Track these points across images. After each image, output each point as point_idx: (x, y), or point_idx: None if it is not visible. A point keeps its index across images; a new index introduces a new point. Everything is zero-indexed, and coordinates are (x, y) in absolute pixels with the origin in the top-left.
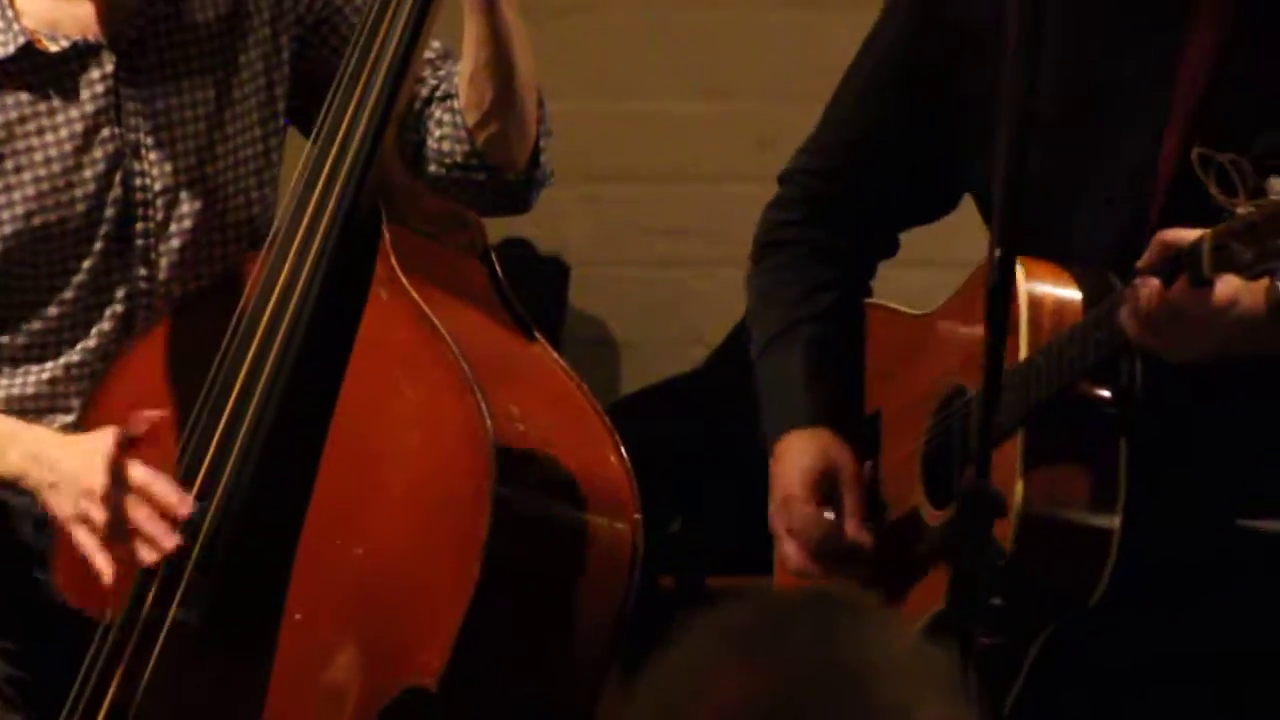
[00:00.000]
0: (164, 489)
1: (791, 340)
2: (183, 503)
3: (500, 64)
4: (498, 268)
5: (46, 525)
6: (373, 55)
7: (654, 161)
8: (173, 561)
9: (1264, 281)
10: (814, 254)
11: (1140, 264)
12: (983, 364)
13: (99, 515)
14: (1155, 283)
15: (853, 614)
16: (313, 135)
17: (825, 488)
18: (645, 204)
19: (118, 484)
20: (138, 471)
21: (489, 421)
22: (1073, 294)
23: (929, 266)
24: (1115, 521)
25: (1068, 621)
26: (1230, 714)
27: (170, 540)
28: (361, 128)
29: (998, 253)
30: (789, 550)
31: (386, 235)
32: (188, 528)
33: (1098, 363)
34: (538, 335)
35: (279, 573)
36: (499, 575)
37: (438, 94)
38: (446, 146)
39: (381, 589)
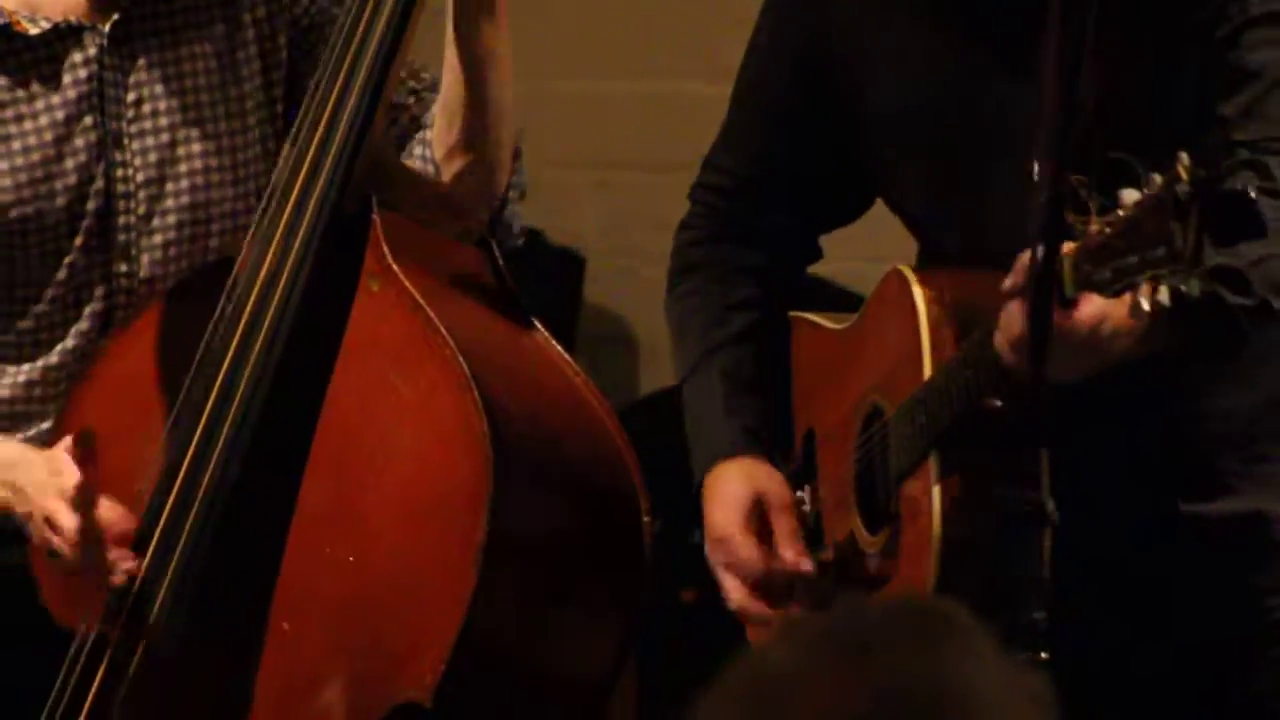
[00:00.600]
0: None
1: (708, 369)
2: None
3: (477, 89)
4: (498, 255)
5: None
6: (361, 32)
7: (675, 148)
8: (151, 571)
9: (1127, 296)
10: (725, 274)
11: (1005, 286)
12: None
13: (64, 549)
14: (1018, 307)
15: (951, 630)
16: (298, 118)
17: (757, 518)
18: (665, 193)
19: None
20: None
21: (486, 419)
22: (970, 307)
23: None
24: (1045, 534)
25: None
26: (1199, 700)
27: (129, 562)
28: (348, 111)
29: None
30: (729, 587)
31: (378, 223)
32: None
33: (988, 384)
34: (540, 327)
35: (263, 581)
36: (497, 581)
37: (413, 123)
38: None
39: (374, 597)
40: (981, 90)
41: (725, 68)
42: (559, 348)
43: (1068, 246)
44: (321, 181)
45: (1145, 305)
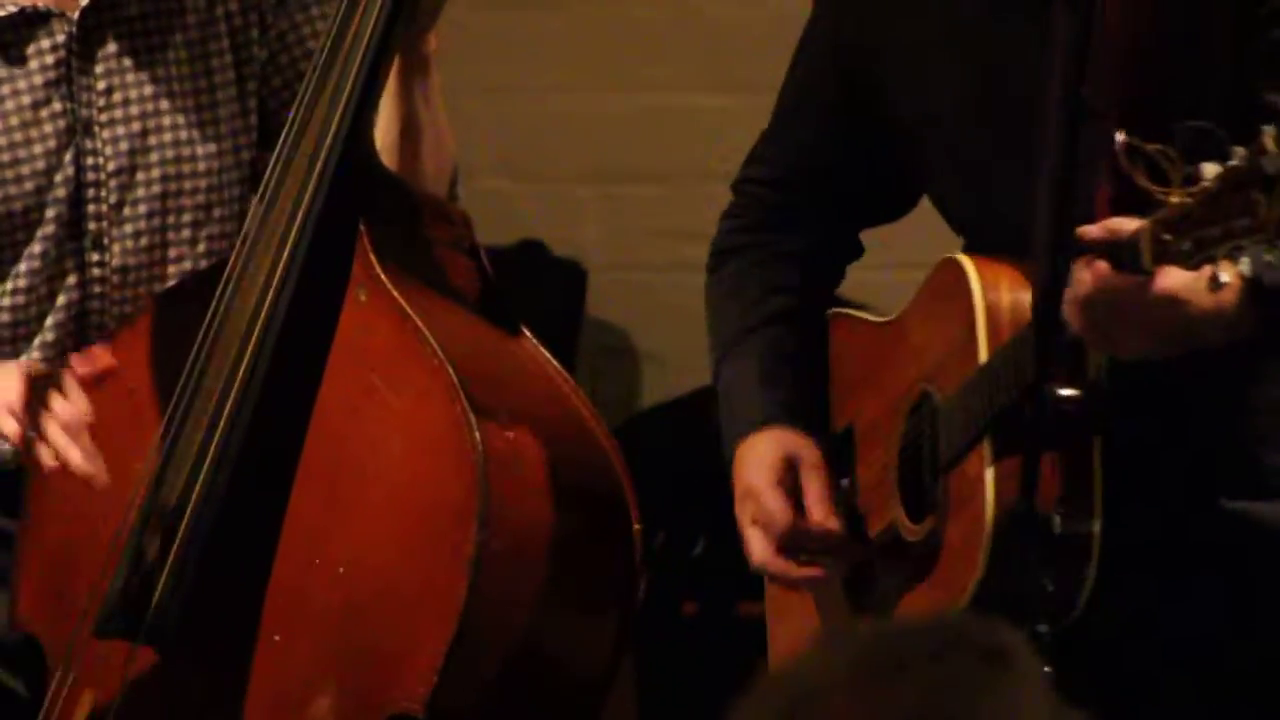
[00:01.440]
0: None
1: (747, 346)
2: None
3: (409, 151)
4: (486, 263)
5: (9, 544)
6: (349, 38)
7: (676, 159)
8: (140, 581)
9: (1205, 270)
10: (769, 259)
11: (1081, 231)
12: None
13: (13, 430)
14: (1101, 265)
15: (977, 660)
16: (285, 127)
17: (788, 478)
18: (667, 204)
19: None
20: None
21: (476, 429)
22: (1025, 295)
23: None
24: (1095, 525)
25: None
26: (1233, 697)
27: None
28: (335, 121)
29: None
30: (754, 542)
31: (365, 233)
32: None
33: (1051, 359)
34: (529, 335)
35: (254, 592)
36: (488, 592)
37: None
38: None
39: (365, 608)
40: (1008, 86)
41: (726, 80)
42: (548, 355)
43: (1144, 219)
44: (309, 190)
45: (1225, 277)
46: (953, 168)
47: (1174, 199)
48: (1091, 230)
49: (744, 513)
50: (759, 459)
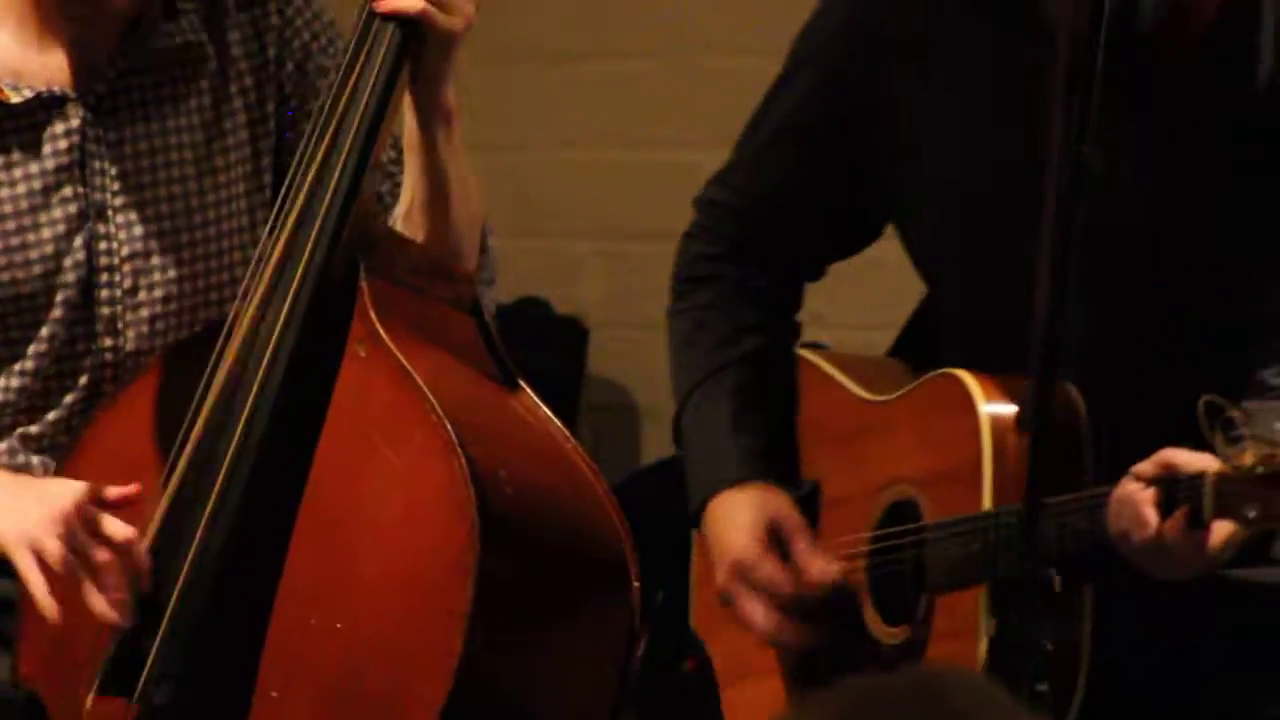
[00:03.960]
0: (133, 546)
1: (717, 386)
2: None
3: (436, 203)
4: (489, 322)
5: (12, 606)
6: (345, 104)
7: (678, 216)
8: (137, 637)
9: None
10: (737, 292)
11: (1137, 472)
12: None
13: (54, 547)
14: (1150, 509)
15: (970, 715)
16: (286, 183)
17: (773, 542)
18: (668, 261)
19: (84, 522)
20: (111, 522)
21: (472, 486)
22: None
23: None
24: (1080, 680)
25: None
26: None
27: (123, 597)
28: (335, 176)
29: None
30: (756, 613)
31: (366, 289)
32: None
33: (1071, 543)
34: (530, 392)
35: (250, 648)
36: (484, 649)
37: (384, 205)
38: None
39: (361, 665)
40: (1025, 168)
41: (727, 137)
42: (549, 412)
43: (1213, 467)
44: (309, 247)
45: None
46: (961, 235)
47: (1246, 458)
48: (1146, 468)
49: (735, 585)
50: (741, 526)
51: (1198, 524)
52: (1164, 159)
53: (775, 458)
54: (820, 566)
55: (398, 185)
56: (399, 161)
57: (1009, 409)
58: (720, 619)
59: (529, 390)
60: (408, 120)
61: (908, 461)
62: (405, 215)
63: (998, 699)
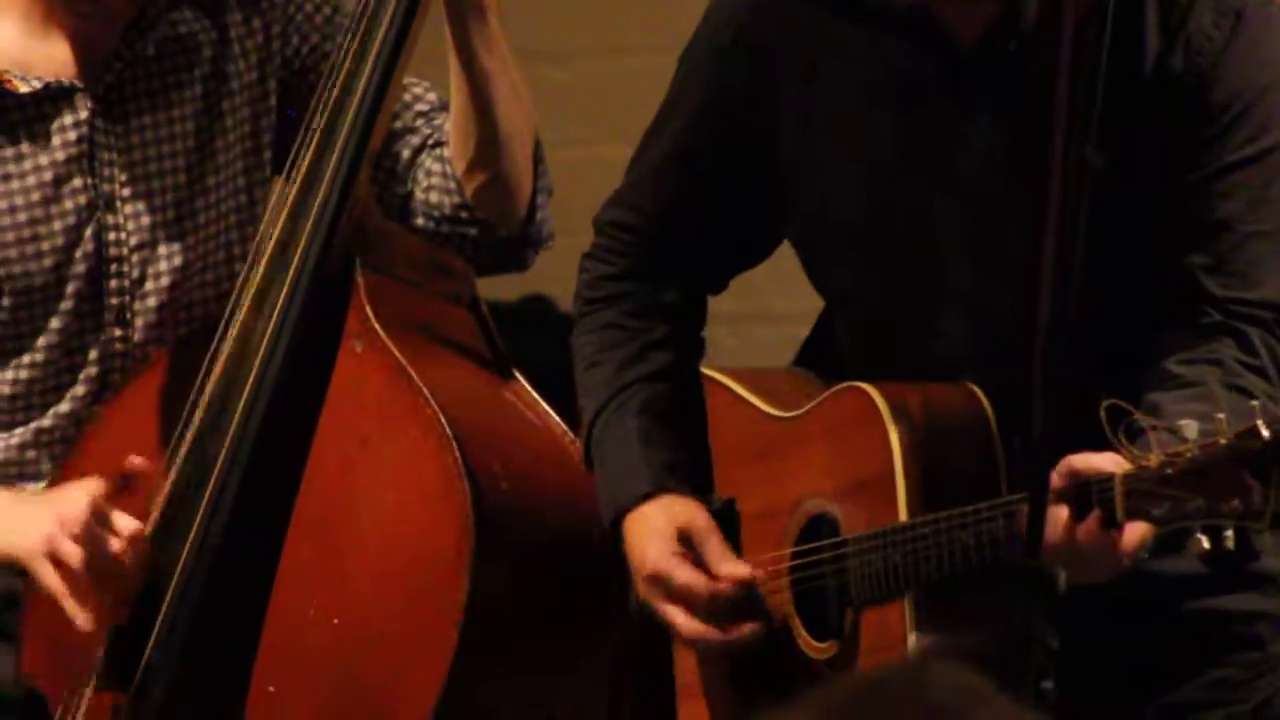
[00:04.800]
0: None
1: (625, 404)
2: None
3: (481, 109)
4: (487, 316)
5: (15, 603)
6: (342, 97)
7: None
8: (134, 631)
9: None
10: (640, 309)
11: (1054, 485)
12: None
13: (72, 551)
14: (1064, 515)
15: (957, 711)
16: (282, 179)
17: (686, 549)
18: None
19: (97, 518)
20: (120, 516)
21: (468, 480)
22: (940, 425)
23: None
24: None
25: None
26: None
27: (135, 589)
28: (330, 173)
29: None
30: (678, 619)
31: (362, 285)
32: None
33: (990, 550)
34: (527, 386)
35: (246, 644)
36: (478, 642)
37: (430, 143)
38: (434, 198)
39: (357, 658)
40: (926, 198)
41: None
42: (547, 408)
43: (1121, 467)
44: (304, 242)
45: (1205, 545)
46: (863, 260)
47: (1151, 459)
48: (1054, 480)
49: (654, 595)
50: (653, 534)
51: (1111, 524)
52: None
53: (687, 471)
54: (730, 566)
55: (429, 120)
56: (442, 109)
57: (915, 419)
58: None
59: (526, 385)
60: (449, 30)
61: (821, 476)
62: (455, 123)
63: (986, 694)
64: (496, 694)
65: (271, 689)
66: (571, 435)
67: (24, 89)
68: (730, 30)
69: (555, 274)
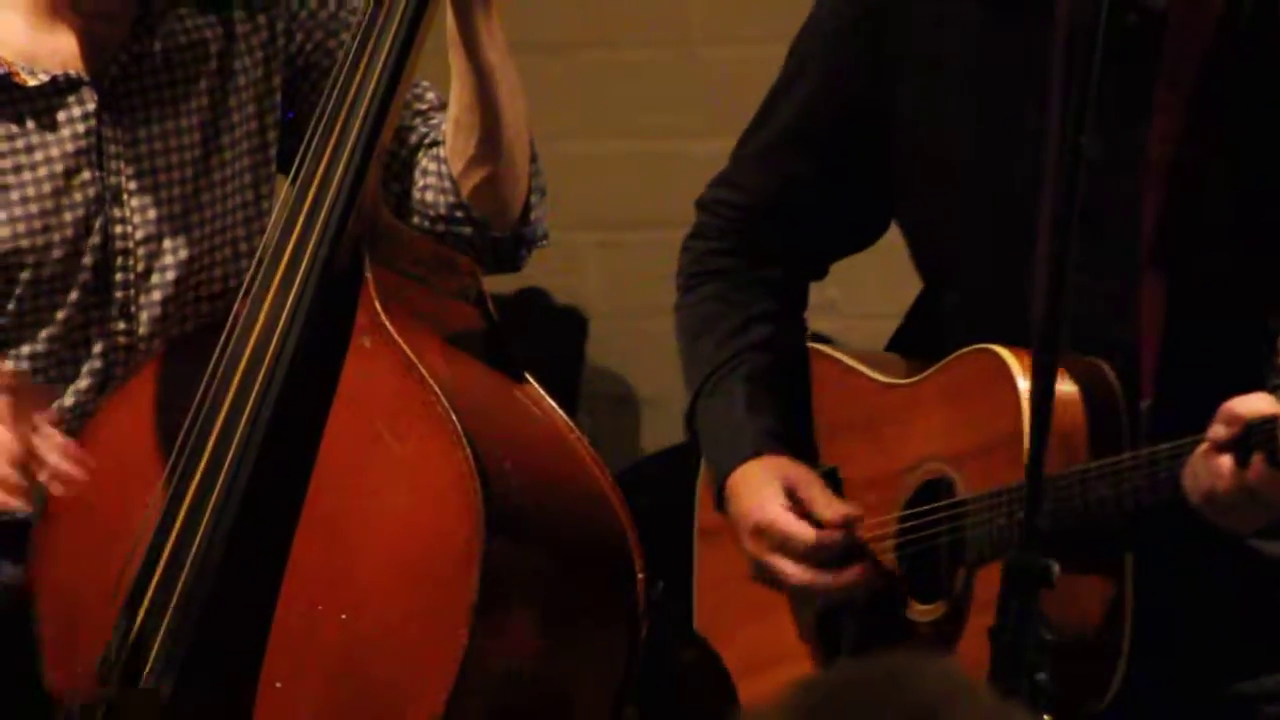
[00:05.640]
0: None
1: (729, 374)
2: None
3: (483, 105)
4: (493, 312)
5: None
6: (352, 94)
7: (676, 206)
8: (141, 627)
9: None
10: (746, 285)
11: (1212, 435)
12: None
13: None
14: (1227, 463)
15: (936, 709)
16: (290, 177)
17: (791, 502)
18: (668, 251)
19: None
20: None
21: (478, 477)
22: (1072, 392)
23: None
24: (1124, 643)
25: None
26: None
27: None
28: (340, 170)
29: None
30: (786, 568)
31: (370, 280)
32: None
33: (1131, 501)
34: (534, 383)
35: (255, 639)
36: (489, 640)
37: (426, 141)
38: (430, 197)
39: (366, 656)
40: (1030, 156)
41: (726, 126)
42: (553, 404)
43: (1275, 407)
44: (314, 238)
45: None
46: (979, 224)
47: None
48: (1220, 430)
49: (760, 548)
50: (758, 489)
51: (1275, 463)
52: (1194, 135)
53: (789, 438)
54: (836, 508)
55: (427, 120)
56: (440, 108)
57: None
58: (733, 618)
59: (533, 381)
60: (448, 16)
61: (939, 440)
62: (454, 120)
63: (969, 688)
64: (507, 693)
65: (279, 685)
66: (579, 433)
67: (31, 82)
68: (846, 8)
69: (550, 267)
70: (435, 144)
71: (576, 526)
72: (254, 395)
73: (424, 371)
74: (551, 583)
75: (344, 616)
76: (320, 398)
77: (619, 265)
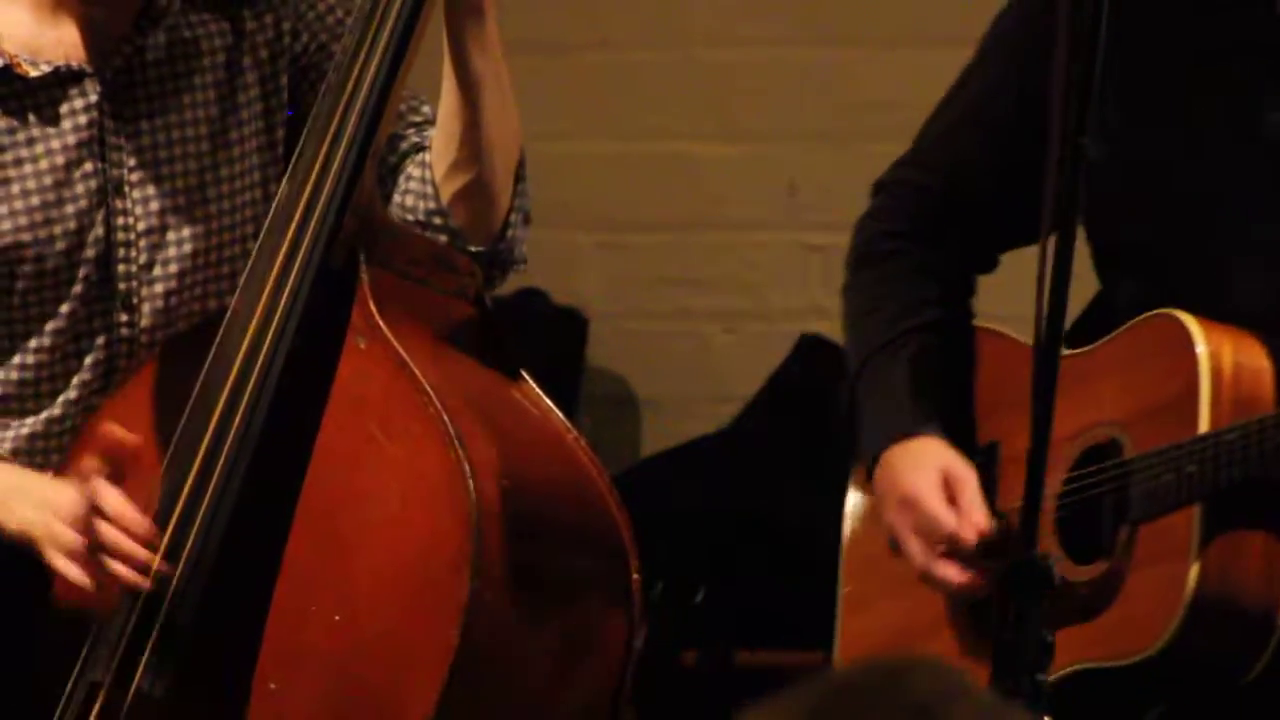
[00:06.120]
0: (135, 517)
1: (896, 351)
2: (152, 532)
3: (467, 112)
4: (491, 312)
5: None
6: (348, 92)
7: (676, 207)
8: (135, 628)
9: None
10: (918, 268)
11: None
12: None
13: (67, 535)
14: None
15: (934, 709)
16: (287, 175)
17: (946, 490)
18: (667, 252)
19: (90, 507)
20: (111, 497)
21: (470, 479)
22: (1261, 365)
23: None
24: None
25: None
26: None
27: (143, 557)
28: (335, 168)
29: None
30: (914, 549)
31: (366, 280)
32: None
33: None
34: (531, 383)
35: (248, 639)
36: (480, 641)
37: (416, 149)
38: (410, 202)
39: (359, 656)
40: (1227, 146)
41: (727, 128)
42: (550, 404)
43: None
44: (309, 237)
45: None
46: (1157, 214)
47: None
48: None
49: (903, 520)
50: (918, 467)
51: None
52: None
53: (950, 423)
54: (982, 517)
55: (420, 131)
56: (434, 123)
57: (1227, 339)
58: (878, 590)
59: (530, 381)
60: (445, 33)
61: (1110, 405)
62: (440, 125)
63: (966, 689)
64: (499, 694)
65: (272, 686)
66: (576, 433)
67: (33, 73)
68: None
69: (550, 268)
70: (422, 149)
71: (571, 528)
72: (248, 395)
73: (417, 372)
74: (545, 583)
75: (337, 617)
76: (315, 398)
77: (619, 265)
